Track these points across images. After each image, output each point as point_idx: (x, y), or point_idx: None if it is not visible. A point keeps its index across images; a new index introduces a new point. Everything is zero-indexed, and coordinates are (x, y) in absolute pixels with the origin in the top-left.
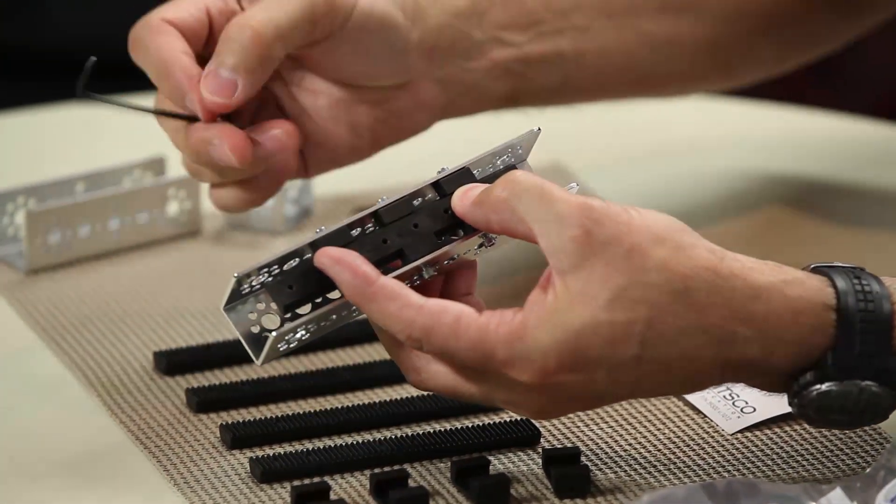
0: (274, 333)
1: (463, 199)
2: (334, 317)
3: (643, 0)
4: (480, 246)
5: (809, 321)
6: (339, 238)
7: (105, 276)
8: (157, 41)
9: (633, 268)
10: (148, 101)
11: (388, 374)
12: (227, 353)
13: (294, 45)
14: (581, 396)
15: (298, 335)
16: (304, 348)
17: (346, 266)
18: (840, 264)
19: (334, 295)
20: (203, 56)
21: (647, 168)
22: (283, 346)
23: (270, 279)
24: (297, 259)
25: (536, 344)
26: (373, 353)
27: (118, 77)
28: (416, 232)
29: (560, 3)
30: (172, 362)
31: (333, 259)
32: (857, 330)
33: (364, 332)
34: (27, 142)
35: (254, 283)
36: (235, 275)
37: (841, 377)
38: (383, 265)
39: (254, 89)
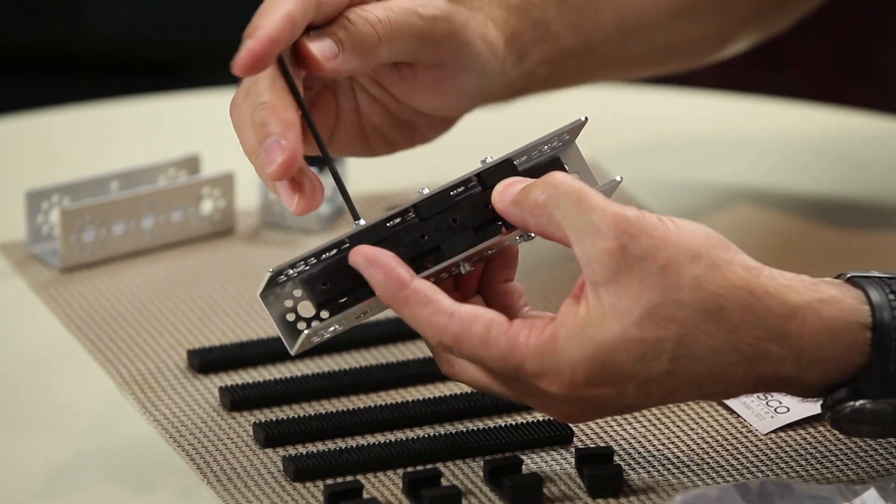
0: (306, 332)
1: (503, 196)
2: (368, 311)
3: (654, 10)
4: (521, 237)
5: (845, 341)
6: (376, 233)
7: (139, 274)
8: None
9: (667, 285)
10: (183, 101)
11: (420, 372)
12: (261, 352)
13: (400, 55)
14: (612, 407)
15: (332, 328)
16: (337, 347)
17: (380, 267)
18: (877, 274)
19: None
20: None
21: (677, 166)
22: (316, 339)
23: (306, 275)
24: (334, 251)
25: (566, 358)
26: (406, 351)
27: (153, 74)
28: (454, 227)
29: (586, 28)
30: (206, 361)
31: (367, 259)
32: (893, 347)
33: (397, 331)
34: (62, 140)
35: (290, 272)
36: (270, 270)
37: (875, 395)
38: (420, 261)
39: (346, 72)
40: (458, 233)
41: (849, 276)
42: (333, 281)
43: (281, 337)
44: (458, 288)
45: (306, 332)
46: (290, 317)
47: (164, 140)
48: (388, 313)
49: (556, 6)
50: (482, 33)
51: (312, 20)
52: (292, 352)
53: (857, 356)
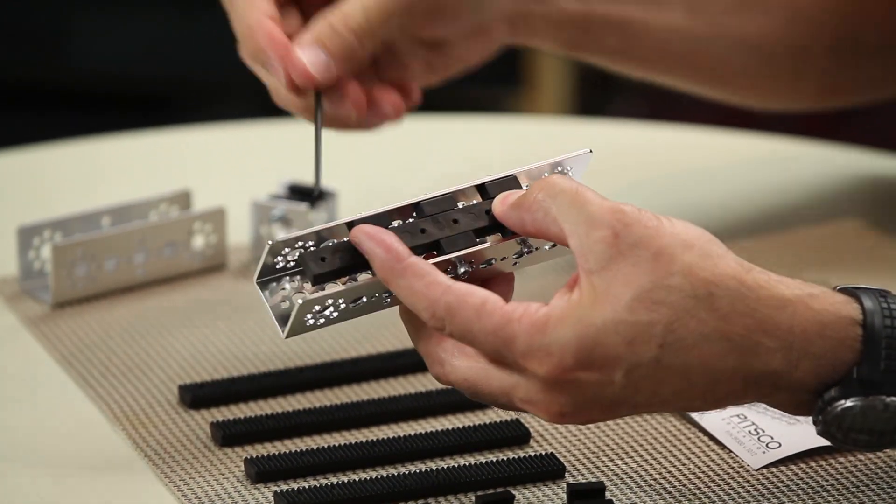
0: (300, 301)
1: (503, 203)
2: (364, 299)
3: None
4: (519, 256)
5: (835, 335)
6: (377, 222)
7: (130, 309)
8: (243, 3)
9: (658, 270)
10: (175, 137)
11: (412, 407)
12: (253, 387)
13: (391, 36)
14: (599, 399)
15: (327, 312)
16: (329, 383)
17: (379, 242)
18: (866, 286)
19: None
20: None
21: (666, 195)
22: (310, 321)
23: (304, 252)
24: (333, 240)
25: (556, 338)
26: (397, 387)
27: (138, 110)
28: (455, 227)
29: None
30: (197, 396)
31: (367, 234)
32: (883, 346)
33: (388, 367)
34: (53, 175)
35: (287, 257)
36: (269, 242)
37: (865, 393)
38: (418, 253)
39: (345, 73)
40: (458, 233)
41: (839, 287)
42: (332, 259)
43: (275, 323)
44: None
45: (300, 301)
46: (286, 304)
47: (156, 175)
48: (381, 340)
49: None
50: None
51: None
52: (284, 335)
53: (848, 353)
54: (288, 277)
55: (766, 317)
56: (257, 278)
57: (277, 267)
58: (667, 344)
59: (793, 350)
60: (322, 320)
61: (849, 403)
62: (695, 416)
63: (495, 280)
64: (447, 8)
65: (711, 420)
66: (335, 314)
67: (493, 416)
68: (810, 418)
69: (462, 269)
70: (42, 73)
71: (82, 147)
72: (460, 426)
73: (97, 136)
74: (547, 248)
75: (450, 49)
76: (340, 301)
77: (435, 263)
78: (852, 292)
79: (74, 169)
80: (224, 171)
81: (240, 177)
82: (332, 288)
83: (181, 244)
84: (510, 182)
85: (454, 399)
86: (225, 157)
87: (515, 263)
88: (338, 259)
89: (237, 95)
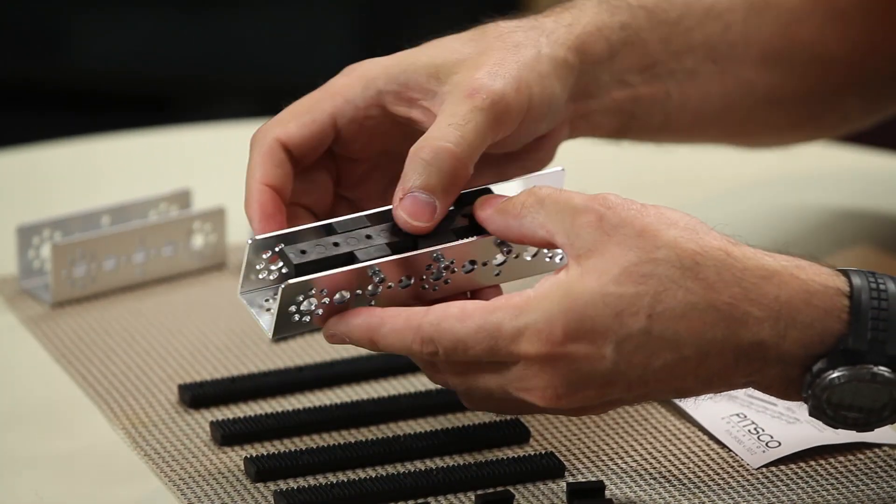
0: (283, 286)
1: (484, 206)
2: (347, 296)
3: (744, 49)
4: (501, 265)
5: (822, 304)
6: (355, 225)
7: (130, 308)
8: (253, 165)
9: (644, 245)
10: (174, 136)
11: (411, 407)
12: (252, 387)
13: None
14: (592, 377)
15: (312, 307)
16: (328, 382)
17: (347, 318)
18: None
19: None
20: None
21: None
22: (295, 317)
23: (285, 246)
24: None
25: (542, 313)
26: (397, 386)
27: (138, 109)
28: (435, 228)
29: (676, 44)
30: (197, 395)
31: (337, 320)
32: (870, 317)
33: (387, 366)
34: (53, 175)
35: (270, 267)
36: (249, 241)
37: (853, 362)
38: (397, 249)
39: (448, 207)
40: (436, 231)
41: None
42: (311, 251)
43: (261, 325)
44: None
45: (282, 285)
46: (270, 311)
47: (155, 175)
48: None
49: (645, 16)
50: (539, 74)
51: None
52: (270, 331)
53: (835, 323)
54: (271, 290)
55: (753, 286)
56: (241, 290)
57: (261, 278)
58: (655, 314)
59: (780, 320)
60: (307, 318)
61: (836, 373)
62: (694, 414)
63: (482, 293)
64: (523, 122)
65: (711, 419)
66: (320, 311)
67: (493, 415)
68: (807, 414)
69: (444, 265)
70: (42, 73)
71: (82, 147)
72: (460, 425)
73: (97, 135)
74: (528, 257)
75: (514, 160)
76: (324, 293)
77: (415, 257)
78: (842, 269)
79: (74, 168)
80: (224, 170)
81: (239, 176)
82: (315, 275)
83: (181, 244)
84: (485, 193)
85: (454, 398)
86: (225, 156)
87: (498, 274)
88: (318, 252)
89: (237, 95)
